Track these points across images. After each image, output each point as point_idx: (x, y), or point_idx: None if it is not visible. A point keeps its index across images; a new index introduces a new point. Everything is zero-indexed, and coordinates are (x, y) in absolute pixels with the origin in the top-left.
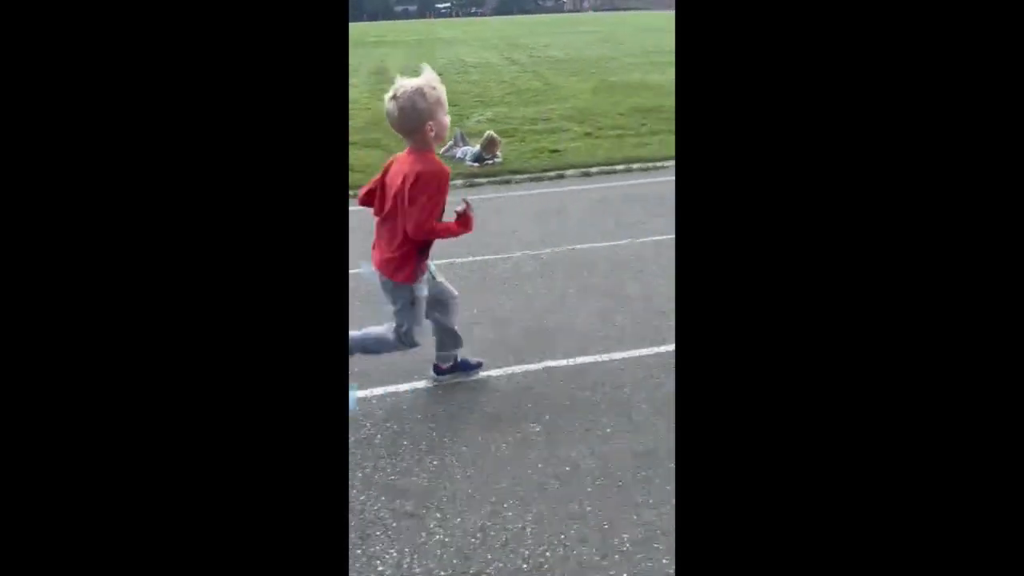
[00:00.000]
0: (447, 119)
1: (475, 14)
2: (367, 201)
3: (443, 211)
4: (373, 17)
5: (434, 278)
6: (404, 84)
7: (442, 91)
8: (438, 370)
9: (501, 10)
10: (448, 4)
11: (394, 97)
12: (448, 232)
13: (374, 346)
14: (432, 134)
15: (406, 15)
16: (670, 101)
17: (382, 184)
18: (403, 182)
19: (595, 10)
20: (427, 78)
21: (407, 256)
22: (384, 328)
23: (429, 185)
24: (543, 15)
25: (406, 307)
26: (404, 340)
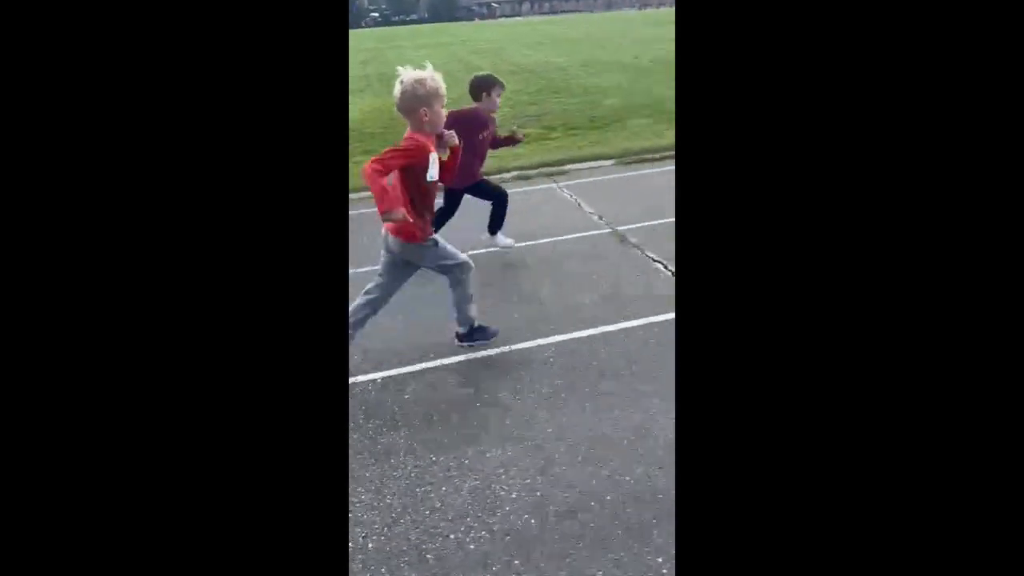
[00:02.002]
0: (443, 112)
1: (408, 22)
2: None
3: (415, 181)
4: None
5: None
6: (410, 72)
7: (440, 85)
8: (460, 336)
9: (434, 17)
10: (377, 13)
11: (400, 82)
12: (380, 190)
13: (461, 301)
14: (426, 119)
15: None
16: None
17: None
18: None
19: (530, 15)
20: (430, 72)
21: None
22: (451, 291)
23: (405, 143)
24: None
25: (432, 255)
26: (462, 274)
